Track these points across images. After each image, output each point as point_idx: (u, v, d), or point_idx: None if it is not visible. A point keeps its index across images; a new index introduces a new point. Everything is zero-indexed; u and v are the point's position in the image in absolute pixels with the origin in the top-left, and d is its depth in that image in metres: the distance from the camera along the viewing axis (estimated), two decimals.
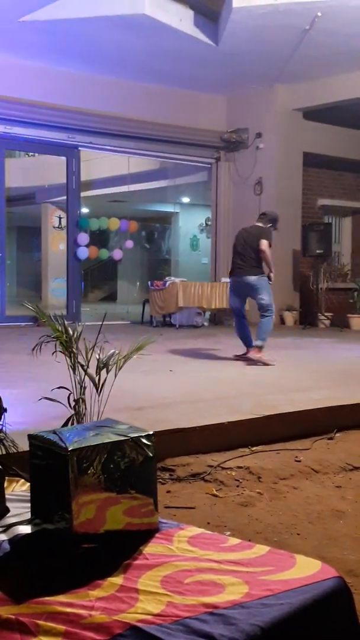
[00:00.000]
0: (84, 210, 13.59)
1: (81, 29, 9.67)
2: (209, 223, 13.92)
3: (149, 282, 12.45)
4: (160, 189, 15.84)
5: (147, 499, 1.29)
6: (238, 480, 3.83)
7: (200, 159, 13.23)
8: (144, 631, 0.92)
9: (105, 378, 3.79)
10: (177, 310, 11.55)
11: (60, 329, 3.82)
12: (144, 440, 1.28)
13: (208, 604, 1.00)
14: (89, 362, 4.01)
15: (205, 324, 12.27)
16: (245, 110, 12.72)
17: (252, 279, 7.64)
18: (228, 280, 12.00)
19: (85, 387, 3.76)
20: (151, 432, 1.29)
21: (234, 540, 1.30)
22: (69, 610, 0.99)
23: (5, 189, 11.78)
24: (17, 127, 11.16)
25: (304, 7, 9.10)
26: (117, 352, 3.90)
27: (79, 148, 12.03)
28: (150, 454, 1.28)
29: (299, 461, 4.26)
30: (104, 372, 3.76)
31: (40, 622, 0.96)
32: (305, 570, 1.13)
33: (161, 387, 5.74)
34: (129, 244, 13.20)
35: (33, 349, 4.02)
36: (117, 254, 13.18)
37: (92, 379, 3.72)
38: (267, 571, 1.11)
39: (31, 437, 1.30)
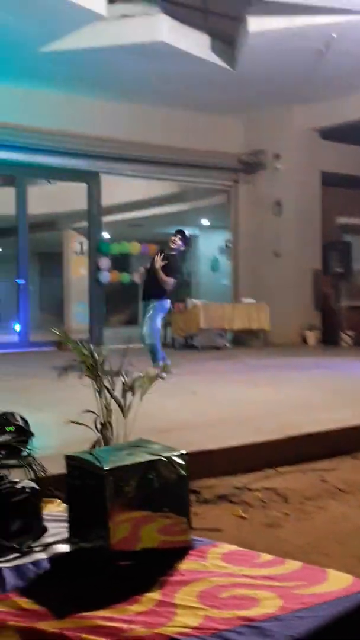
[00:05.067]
0: (105, 235, 13.74)
1: (100, 58, 9.88)
2: (229, 245, 13.98)
3: (171, 305, 12.49)
4: (179, 212, 15.96)
5: (181, 517, 1.32)
6: (264, 502, 3.83)
7: (219, 182, 13.33)
8: None
9: (131, 401, 3.83)
10: (199, 331, 11.58)
11: (85, 353, 3.88)
12: (178, 460, 1.32)
13: (244, 617, 1.03)
14: (114, 385, 4.06)
15: (227, 345, 12.28)
16: (262, 132, 12.83)
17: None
18: (251, 301, 12.09)
19: (111, 410, 3.81)
20: (184, 452, 1.33)
21: (267, 557, 1.33)
22: (110, 624, 1.02)
23: (27, 215, 11.98)
24: (39, 156, 11.36)
25: (319, 29, 9.22)
26: (142, 375, 3.95)
27: (100, 174, 12.20)
28: (184, 473, 1.32)
29: (325, 481, 4.25)
30: (129, 395, 3.81)
31: (84, 635, 1.00)
32: (337, 584, 1.15)
33: (185, 409, 5.76)
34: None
35: (59, 375, 4.08)
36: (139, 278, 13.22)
37: (118, 402, 3.76)
38: (300, 585, 1.14)
39: (68, 458, 1.34)
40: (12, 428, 3.76)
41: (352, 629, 1.03)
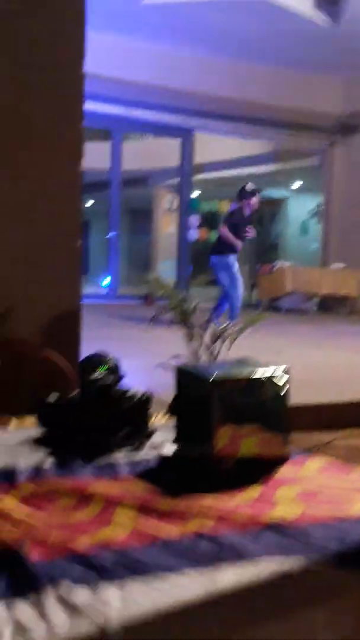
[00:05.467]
0: (195, 192, 13.75)
1: (200, 12, 9.76)
2: (321, 208, 13.70)
3: (257, 266, 12.45)
4: (271, 173, 15.72)
5: (279, 434, 1.39)
6: (348, 457, 3.84)
7: (315, 143, 13.02)
8: (285, 527, 1.03)
9: (219, 350, 3.89)
10: (285, 294, 11.49)
11: (177, 300, 3.97)
12: (279, 378, 1.37)
13: (341, 514, 1.09)
14: (205, 333, 4.13)
15: (314, 309, 12.13)
16: None
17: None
18: (340, 266, 11.84)
19: (199, 358, 3.89)
20: (286, 372, 1.38)
21: None
22: (218, 506, 1.11)
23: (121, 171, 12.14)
24: (135, 110, 11.43)
25: None
26: (231, 324, 4.01)
27: (194, 131, 12.17)
28: (284, 391, 1.37)
29: None
30: (218, 343, 3.87)
31: (194, 513, 1.09)
32: None
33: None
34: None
35: (151, 319, 4.19)
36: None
37: (208, 349, 3.83)
38: None
39: (179, 369, 1.42)
40: (105, 368, 3.90)
41: None
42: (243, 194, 8.42)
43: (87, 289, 13.66)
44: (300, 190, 17.38)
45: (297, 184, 16.99)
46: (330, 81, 12.47)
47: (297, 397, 4.42)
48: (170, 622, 0.81)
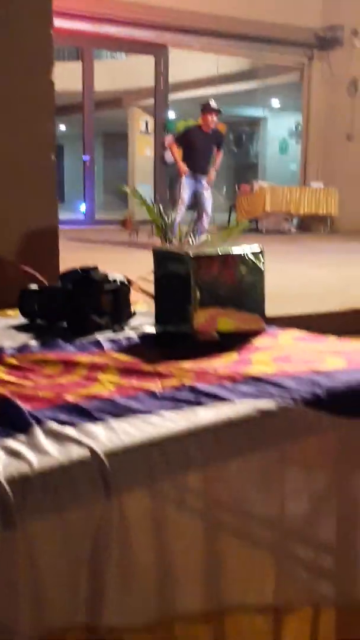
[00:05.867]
0: (172, 113, 13.44)
1: None
2: (300, 128, 13.51)
3: (236, 186, 12.35)
4: (249, 91, 15.38)
5: (255, 314, 1.44)
6: None
7: (292, 58, 12.71)
8: (260, 379, 1.10)
9: None
10: (264, 215, 11.47)
11: (156, 213, 3.98)
12: (256, 256, 1.42)
13: (314, 370, 1.16)
14: (183, 246, 4.16)
15: (293, 229, 12.14)
16: (340, 6, 12.00)
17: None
18: (320, 185, 11.78)
19: None
20: (261, 249, 1.43)
21: (334, 338, 1.46)
22: (197, 369, 1.17)
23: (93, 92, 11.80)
24: (105, 26, 11.02)
25: None
26: (209, 237, 4.04)
27: (168, 47, 11.79)
28: (262, 268, 1.42)
29: None
30: None
31: (174, 371, 1.15)
32: None
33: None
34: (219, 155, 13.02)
35: (130, 233, 4.21)
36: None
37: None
38: None
39: (155, 250, 1.46)
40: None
41: None
42: (201, 109, 8.42)
43: (65, 216, 13.50)
44: (279, 109, 17.06)
45: (275, 103, 16.67)
46: None
47: (277, 310, 4.52)
48: (151, 449, 0.88)
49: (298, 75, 13.16)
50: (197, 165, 8.37)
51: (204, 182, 8.40)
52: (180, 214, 8.16)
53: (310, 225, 12.28)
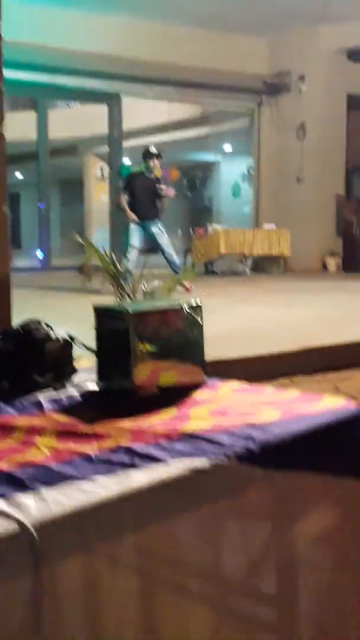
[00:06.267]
0: (126, 160, 13.65)
1: None
2: (251, 171, 13.84)
3: (191, 230, 12.53)
4: (202, 137, 15.74)
5: (196, 366, 1.47)
6: None
7: (242, 104, 13.09)
8: (195, 435, 1.12)
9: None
10: (219, 257, 11.63)
11: (108, 261, 4.00)
12: (194, 310, 1.45)
13: (249, 423, 1.19)
14: (135, 293, 4.19)
15: (248, 270, 12.33)
16: (287, 53, 12.48)
17: None
18: (272, 226, 12.05)
19: None
20: (200, 303, 1.46)
21: (272, 388, 1.49)
22: (134, 427, 1.18)
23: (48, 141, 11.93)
24: (59, 76, 11.22)
25: None
26: (160, 284, 4.07)
27: (121, 96, 12.04)
28: (200, 322, 1.45)
29: (338, 389, 4.39)
30: None
31: (111, 432, 1.16)
32: (332, 403, 1.31)
33: (204, 324, 5.90)
34: (170, 192, 13.24)
35: (83, 280, 4.22)
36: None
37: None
38: (299, 404, 1.30)
39: (96, 307, 1.48)
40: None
41: (342, 432, 1.19)
42: (142, 156, 8.54)
43: (22, 262, 13.45)
44: (231, 153, 17.48)
45: (228, 147, 17.08)
46: (255, 42, 12.51)
47: (230, 351, 4.58)
48: (83, 518, 0.88)
49: (248, 121, 13.55)
50: (144, 211, 8.44)
51: (154, 228, 8.49)
52: (132, 261, 8.21)
53: (264, 265, 12.49)
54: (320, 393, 4.22)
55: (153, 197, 8.52)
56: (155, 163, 8.43)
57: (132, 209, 8.43)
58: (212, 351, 4.56)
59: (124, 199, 8.52)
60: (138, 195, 8.40)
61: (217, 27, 11.88)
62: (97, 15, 11.09)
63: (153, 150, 8.51)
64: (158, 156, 8.46)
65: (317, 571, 1.20)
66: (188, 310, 1.43)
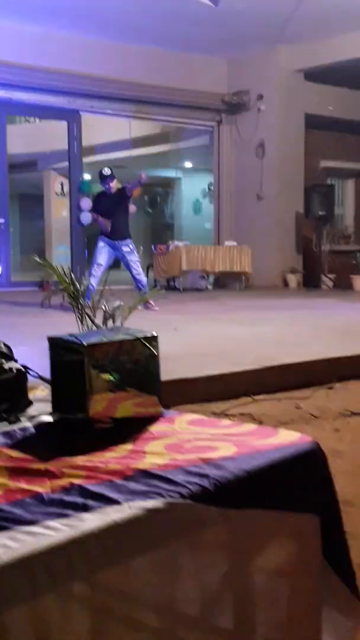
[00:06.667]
0: (87, 176, 13.64)
1: None
2: (212, 188, 13.96)
3: (153, 246, 12.55)
4: (162, 153, 15.84)
5: (152, 397, 1.46)
6: None
7: (202, 122, 13.22)
8: (150, 472, 1.10)
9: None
10: (181, 273, 11.67)
11: (67, 281, 3.98)
12: (150, 341, 1.44)
13: (204, 458, 1.18)
14: (95, 313, 4.17)
15: (209, 287, 12.39)
16: (246, 72, 12.68)
17: None
18: (233, 243, 12.16)
19: None
20: (155, 334, 1.45)
21: (227, 421, 1.49)
22: (88, 464, 1.16)
23: (7, 155, 11.84)
24: (18, 92, 11.17)
25: None
26: (122, 303, 4.06)
27: (80, 112, 12.04)
28: (155, 353, 1.44)
29: (300, 408, 4.43)
30: (109, 323, 3.92)
31: (65, 470, 1.14)
32: (287, 438, 1.31)
33: (165, 343, 5.85)
34: (132, 208, 13.25)
35: (42, 301, 4.19)
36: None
37: (99, 329, 3.87)
38: (254, 438, 1.29)
39: (50, 338, 1.46)
40: None
41: (296, 468, 1.19)
42: (102, 179, 8.66)
43: None
44: (191, 170, 17.61)
45: (188, 164, 17.21)
46: (215, 61, 12.69)
47: (190, 370, 4.58)
48: (33, 564, 0.86)
49: (208, 138, 13.69)
50: (114, 230, 8.47)
51: (125, 247, 8.53)
52: (95, 278, 8.20)
53: (226, 282, 12.59)
54: (282, 413, 4.25)
55: (121, 213, 8.56)
56: (111, 185, 8.53)
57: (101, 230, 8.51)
58: (174, 370, 4.57)
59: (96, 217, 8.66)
60: (105, 215, 8.44)
61: (177, 46, 12.01)
62: (58, 32, 11.11)
63: (105, 172, 8.59)
64: (111, 177, 8.56)
65: (274, 604, 1.20)
66: (144, 341, 1.42)
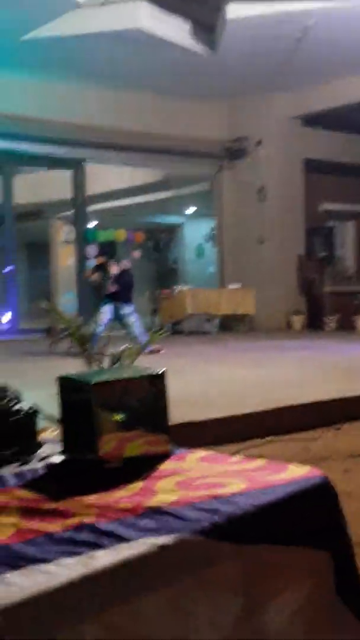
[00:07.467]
0: (92, 223, 13.84)
1: (81, 45, 9.94)
2: (215, 232, 14.12)
3: (157, 291, 12.64)
4: (164, 200, 16.06)
5: (162, 434, 1.47)
6: None
7: (203, 169, 13.45)
8: (160, 510, 1.11)
9: None
10: (186, 317, 11.72)
11: (74, 325, 4.01)
12: (157, 379, 1.46)
13: (215, 495, 1.18)
14: (102, 358, 4.17)
15: (214, 329, 12.41)
16: (245, 119, 12.93)
17: None
18: (237, 286, 12.24)
19: None
20: (163, 371, 1.47)
21: (239, 457, 1.49)
22: (99, 503, 1.17)
23: (13, 205, 12.05)
24: (23, 144, 11.42)
25: (297, 16, 9.34)
26: (129, 346, 4.08)
27: (84, 162, 12.28)
28: (163, 391, 1.46)
29: (309, 449, 4.40)
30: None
31: (76, 509, 1.14)
32: (297, 472, 1.31)
33: (172, 385, 5.87)
34: (136, 254, 13.40)
35: (51, 344, 4.22)
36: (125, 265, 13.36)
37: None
38: (265, 473, 1.30)
39: (60, 378, 1.48)
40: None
41: (306, 503, 1.19)
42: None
43: None
44: (194, 215, 17.83)
45: (190, 210, 17.43)
46: (215, 108, 12.96)
47: (198, 413, 4.56)
48: (45, 602, 0.86)
49: (210, 184, 13.90)
50: (117, 296, 8.91)
51: (126, 309, 8.86)
52: (102, 324, 8.45)
53: (230, 324, 12.61)
54: (291, 454, 4.22)
55: (124, 285, 9.01)
56: (109, 266, 9.25)
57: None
58: (181, 413, 4.57)
59: (96, 276, 9.33)
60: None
61: (177, 95, 12.29)
62: (60, 84, 11.40)
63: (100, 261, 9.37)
64: (106, 264, 9.31)
65: None
66: (152, 379, 1.44)
